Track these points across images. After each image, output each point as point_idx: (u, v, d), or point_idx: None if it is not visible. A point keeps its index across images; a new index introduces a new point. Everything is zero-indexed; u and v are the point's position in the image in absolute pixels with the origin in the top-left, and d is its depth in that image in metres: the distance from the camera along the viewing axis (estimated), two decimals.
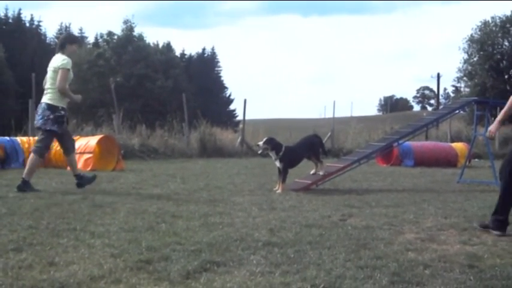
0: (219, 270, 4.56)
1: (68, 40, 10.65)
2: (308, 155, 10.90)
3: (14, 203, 8.01)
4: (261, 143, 10.22)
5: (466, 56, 56.86)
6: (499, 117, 6.90)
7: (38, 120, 10.00)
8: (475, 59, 56.27)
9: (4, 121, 32.69)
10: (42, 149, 10.09)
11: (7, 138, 16.21)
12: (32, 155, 10.02)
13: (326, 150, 11.53)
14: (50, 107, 9.90)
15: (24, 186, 9.49)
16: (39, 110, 10.02)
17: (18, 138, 16.31)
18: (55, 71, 10.11)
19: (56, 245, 5.35)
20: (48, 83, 10.16)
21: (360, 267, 4.64)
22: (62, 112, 9.99)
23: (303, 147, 10.89)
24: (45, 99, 10.04)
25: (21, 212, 7.17)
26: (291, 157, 10.45)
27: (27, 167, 9.82)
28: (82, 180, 10.09)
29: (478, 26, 56.21)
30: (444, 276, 4.47)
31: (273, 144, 10.26)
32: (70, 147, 10.37)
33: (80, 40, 10.82)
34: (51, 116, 9.84)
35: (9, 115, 32.51)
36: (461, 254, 5.26)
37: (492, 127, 7.01)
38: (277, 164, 10.34)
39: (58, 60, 10.19)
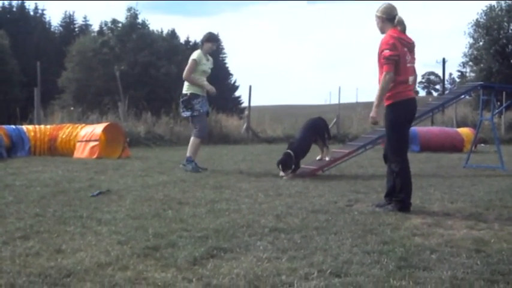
0: (225, 256, 4.57)
1: (205, 39, 11.77)
2: (315, 139, 10.89)
3: (21, 191, 8.03)
4: (282, 173, 10.14)
5: (471, 41, 56.54)
6: (375, 101, 7.02)
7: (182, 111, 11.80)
8: (480, 43, 55.93)
9: (10, 110, 32.76)
10: (201, 132, 11.52)
11: (13, 126, 16.21)
12: (192, 138, 11.56)
13: (331, 135, 11.48)
14: (181, 95, 11.63)
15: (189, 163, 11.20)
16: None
17: (24, 127, 16.31)
18: None
19: (62, 232, 5.37)
20: None
21: (366, 253, 4.65)
22: (194, 98, 11.37)
23: (309, 133, 10.87)
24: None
25: (28, 200, 7.19)
26: (302, 151, 10.49)
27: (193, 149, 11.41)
28: (187, 164, 11.26)
29: (483, 11, 55.84)
30: (451, 261, 4.48)
31: (289, 164, 10.19)
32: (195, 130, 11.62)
33: (214, 39, 11.39)
34: (183, 103, 11.60)
35: (15, 104, 32.59)
36: (468, 238, 5.26)
37: (372, 112, 7.12)
38: None
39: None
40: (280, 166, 10.19)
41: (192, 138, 11.52)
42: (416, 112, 7.56)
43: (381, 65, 7.02)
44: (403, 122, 7.12)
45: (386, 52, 6.89)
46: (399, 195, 6.91)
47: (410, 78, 7.07)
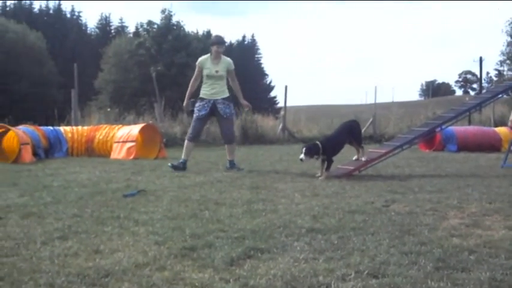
0: (262, 257, 4.57)
1: (210, 42, 12.18)
2: (349, 140, 10.87)
3: (59, 191, 8.11)
4: (302, 155, 10.16)
5: (509, 39, 56.07)
6: None
7: None
8: None
9: (48, 111, 33.06)
10: (189, 133, 12.02)
11: (51, 128, 16.41)
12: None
13: (362, 137, 11.42)
14: None
15: (232, 166, 11.64)
16: None
17: (62, 128, 16.51)
18: None
19: (100, 233, 5.41)
20: None
21: (404, 253, 4.62)
22: (198, 101, 11.74)
23: (342, 132, 10.85)
24: None
25: (66, 201, 7.27)
26: (331, 147, 10.42)
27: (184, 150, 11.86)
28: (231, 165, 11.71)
29: None
30: (489, 262, 4.43)
31: (312, 152, 10.20)
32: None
33: (217, 41, 11.58)
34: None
35: (52, 105, 32.90)
36: (507, 239, 5.20)
37: None
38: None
39: None
40: (303, 149, 10.19)
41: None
42: None
43: None
44: None
45: None
46: None
47: None
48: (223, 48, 11.74)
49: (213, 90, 11.57)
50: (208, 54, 11.71)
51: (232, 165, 11.65)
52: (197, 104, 11.67)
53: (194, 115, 11.79)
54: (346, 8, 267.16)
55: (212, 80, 11.56)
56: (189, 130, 11.96)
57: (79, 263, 4.37)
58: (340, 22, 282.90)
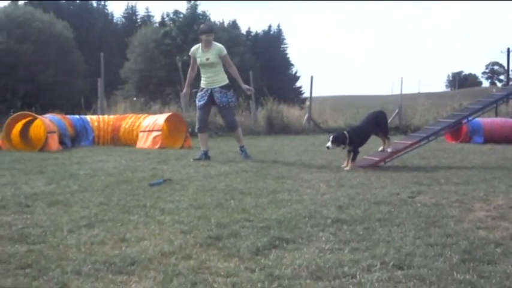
0: (288, 247, 4.57)
1: (199, 32, 12.05)
2: (376, 131, 10.83)
3: (85, 180, 8.17)
4: (329, 143, 10.19)
5: None
6: None
7: None
8: None
9: (74, 100, 33.25)
10: (196, 124, 12.07)
11: (77, 116, 16.53)
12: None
13: (388, 129, 11.40)
14: None
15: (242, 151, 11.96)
16: None
17: (88, 117, 16.64)
18: None
19: (126, 221, 5.45)
20: None
21: (429, 245, 4.60)
22: (199, 91, 11.91)
23: (369, 123, 10.82)
24: None
25: (92, 189, 7.32)
26: (358, 137, 10.41)
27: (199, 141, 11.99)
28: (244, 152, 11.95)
29: None
30: None
31: (339, 140, 10.21)
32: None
33: (203, 31, 11.65)
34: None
35: (79, 94, 33.10)
36: None
37: None
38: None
39: None
40: (330, 137, 10.22)
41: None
42: None
43: None
44: None
45: None
46: None
47: None
48: (212, 36, 11.75)
49: (209, 79, 11.69)
50: (199, 44, 11.81)
51: (242, 151, 11.87)
52: (198, 94, 11.84)
53: (196, 105, 12.01)
54: None
55: (205, 68, 11.69)
56: (196, 121, 12.05)
57: (105, 251, 4.40)
58: (366, 12, 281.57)
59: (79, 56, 55.06)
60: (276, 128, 23.39)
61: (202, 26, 12.32)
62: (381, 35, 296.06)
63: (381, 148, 10.91)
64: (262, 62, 66.94)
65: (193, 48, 11.89)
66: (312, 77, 27.18)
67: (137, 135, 15.25)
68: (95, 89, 22.47)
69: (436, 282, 3.73)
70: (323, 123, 26.12)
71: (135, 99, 27.33)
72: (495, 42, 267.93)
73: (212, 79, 11.61)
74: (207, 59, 11.59)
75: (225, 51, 11.70)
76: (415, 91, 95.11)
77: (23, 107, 24.14)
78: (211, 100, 11.66)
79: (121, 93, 47.40)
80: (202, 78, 11.75)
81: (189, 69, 11.97)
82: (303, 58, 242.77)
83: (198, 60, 11.66)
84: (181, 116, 16.99)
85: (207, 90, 11.63)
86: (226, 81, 11.73)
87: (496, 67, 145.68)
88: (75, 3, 71.61)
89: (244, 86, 12.08)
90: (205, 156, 11.45)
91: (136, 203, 6.39)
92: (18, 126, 14.38)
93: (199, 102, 11.76)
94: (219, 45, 11.80)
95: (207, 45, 11.65)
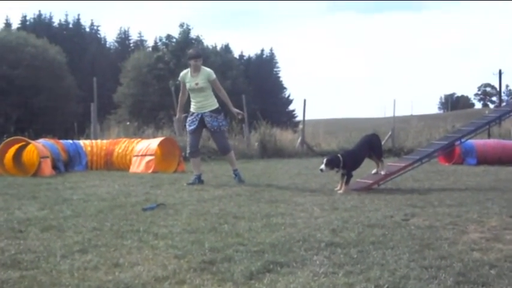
0: (282, 270, 4.57)
1: (187, 57, 12.28)
2: (369, 154, 10.85)
3: (79, 205, 8.15)
4: (323, 166, 10.22)
5: None
6: None
7: None
8: None
9: (67, 124, 33.25)
10: (187, 149, 12.19)
11: (70, 141, 16.51)
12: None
13: (382, 151, 11.43)
14: None
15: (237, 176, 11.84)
16: None
17: (81, 142, 16.61)
18: None
19: (120, 246, 5.43)
20: None
21: (424, 268, 4.60)
22: (189, 116, 11.93)
23: (363, 147, 10.84)
24: None
25: (85, 214, 7.30)
26: (352, 161, 10.43)
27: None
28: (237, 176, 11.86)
29: None
30: (510, 276, 4.40)
31: (333, 164, 10.25)
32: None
33: (191, 56, 11.71)
34: None
35: (72, 119, 33.10)
36: None
37: None
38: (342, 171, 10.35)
39: None
40: (324, 160, 10.25)
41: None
42: None
43: None
44: None
45: None
46: None
47: None
48: (200, 61, 11.76)
49: (198, 104, 11.69)
50: (188, 69, 11.84)
51: (236, 174, 11.85)
52: (188, 119, 11.87)
53: (187, 130, 12.06)
54: (364, 21, 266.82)
55: (195, 93, 11.69)
56: (187, 146, 12.07)
57: (99, 276, 4.39)
58: (358, 35, 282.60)
59: (72, 80, 55.22)
60: (269, 151, 23.37)
61: (190, 51, 12.34)
62: (373, 58, 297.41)
63: (374, 171, 10.92)
64: (255, 85, 67.22)
65: (182, 73, 11.92)
66: (304, 101, 27.20)
67: (130, 160, 15.23)
68: (88, 114, 22.45)
69: None
70: (316, 146, 26.11)
71: (128, 123, 27.31)
72: (487, 64, 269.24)
73: (202, 103, 11.62)
74: (196, 84, 11.59)
75: (213, 76, 11.71)
76: (408, 113, 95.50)
77: (16, 132, 24.07)
78: (202, 124, 11.67)
79: (114, 117, 47.48)
80: (192, 103, 11.73)
81: (180, 94, 12.01)
82: (295, 81, 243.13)
83: (188, 85, 11.67)
84: (174, 140, 16.97)
85: (197, 115, 11.64)
86: (216, 105, 11.74)
87: (488, 89, 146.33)
88: (68, 28, 71.80)
89: (235, 110, 12.12)
90: (199, 180, 11.44)
91: (129, 227, 6.37)
92: (11, 151, 14.34)
93: (189, 127, 11.77)
94: (208, 69, 11.81)
95: (196, 70, 11.66)
